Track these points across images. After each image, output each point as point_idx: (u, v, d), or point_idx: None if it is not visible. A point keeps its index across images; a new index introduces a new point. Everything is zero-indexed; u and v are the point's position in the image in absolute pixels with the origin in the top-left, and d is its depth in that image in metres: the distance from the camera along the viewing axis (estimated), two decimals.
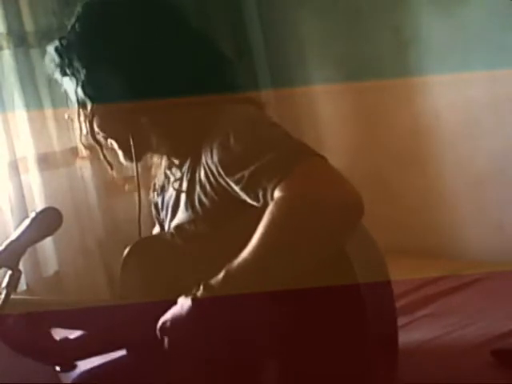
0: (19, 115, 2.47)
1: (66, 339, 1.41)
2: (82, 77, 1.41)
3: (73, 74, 1.43)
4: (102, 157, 1.51)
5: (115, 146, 1.48)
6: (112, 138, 1.47)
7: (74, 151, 2.55)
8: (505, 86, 2.31)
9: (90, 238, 2.59)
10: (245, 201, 1.29)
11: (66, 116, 1.52)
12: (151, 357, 1.34)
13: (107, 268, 2.61)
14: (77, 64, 1.42)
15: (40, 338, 1.39)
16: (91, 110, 1.43)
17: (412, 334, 1.65)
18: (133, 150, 1.45)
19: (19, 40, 2.46)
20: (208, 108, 1.39)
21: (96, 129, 1.45)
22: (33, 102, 2.48)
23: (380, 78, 2.56)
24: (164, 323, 1.26)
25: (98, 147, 1.49)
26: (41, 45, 2.48)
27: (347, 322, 1.27)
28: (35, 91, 2.48)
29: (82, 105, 1.45)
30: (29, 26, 2.46)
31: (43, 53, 2.42)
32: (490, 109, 2.38)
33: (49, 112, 2.50)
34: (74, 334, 1.43)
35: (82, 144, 1.52)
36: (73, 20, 1.43)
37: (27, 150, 2.48)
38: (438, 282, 2.16)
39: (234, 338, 1.26)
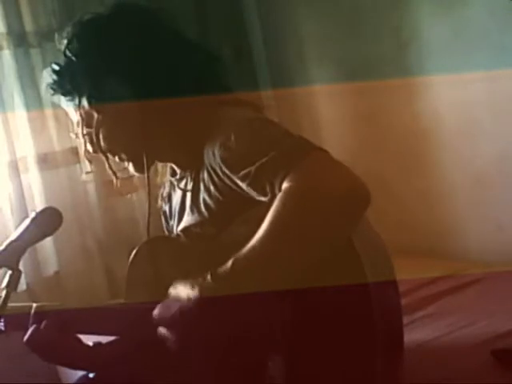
0: (19, 115, 2.47)
1: (99, 344, 1.40)
2: (88, 90, 1.44)
3: (75, 91, 1.46)
4: (107, 167, 1.53)
5: (124, 157, 1.50)
6: (121, 150, 1.50)
7: (74, 151, 2.56)
8: (505, 86, 2.31)
9: (89, 237, 2.59)
10: (250, 198, 1.30)
11: (74, 136, 1.54)
12: (157, 356, 1.34)
13: (107, 268, 2.61)
14: (80, 80, 1.45)
15: (71, 344, 1.38)
16: (97, 121, 1.46)
17: (412, 333, 1.65)
18: (145, 161, 1.47)
19: (19, 40, 2.46)
20: (207, 112, 1.42)
21: (102, 144, 1.48)
22: (33, 102, 2.48)
23: (380, 78, 2.56)
24: (172, 316, 1.26)
25: (104, 159, 1.52)
26: (41, 45, 2.48)
27: (354, 319, 1.28)
28: (35, 91, 2.48)
29: (85, 121, 1.48)
30: (29, 26, 2.47)
31: (43, 53, 2.47)
32: (489, 109, 2.39)
33: (49, 112, 2.51)
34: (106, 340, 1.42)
35: (88, 160, 1.54)
36: (65, 41, 1.46)
37: (27, 150, 2.49)
38: (437, 282, 2.16)
39: (241, 333, 1.26)
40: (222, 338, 1.26)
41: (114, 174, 1.55)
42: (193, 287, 1.24)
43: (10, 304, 1.38)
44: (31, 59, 2.48)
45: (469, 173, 2.49)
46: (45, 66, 2.42)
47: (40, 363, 2.32)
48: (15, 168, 2.46)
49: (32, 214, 1.45)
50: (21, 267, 1.40)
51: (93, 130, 1.47)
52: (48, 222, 1.46)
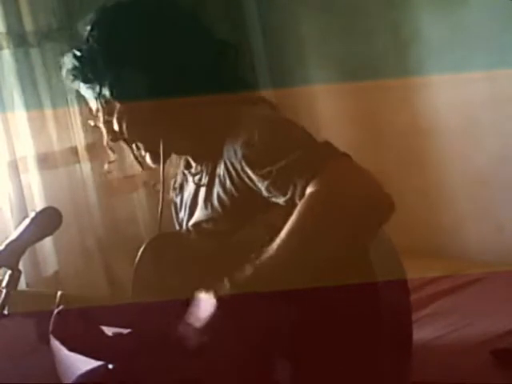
0: (19, 115, 2.47)
1: (120, 334, 1.39)
2: (109, 79, 1.43)
3: (96, 79, 1.45)
4: (133, 157, 1.53)
5: (142, 147, 1.50)
6: (139, 140, 1.49)
7: (74, 151, 2.56)
8: (505, 86, 2.31)
9: (89, 237, 2.59)
10: (265, 198, 1.30)
11: (92, 123, 1.52)
12: (162, 355, 1.33)
13: (107, 268, 2.61)
14: (102, 67, 1.43)
15: (93, 334, 1.37)
16: (119, 111, 1.45)
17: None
18: (161, 153, 1.47)
19: (19, 40, 2.46)
20: (228, 109, 1.42)
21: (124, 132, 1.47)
22: (33, 102, 2.48)
23: (380, 78, 2.56)
24: (192, 325, 1.26)
25: (129, 148, 1.51)
26: (41, 45, 2.48)
27: (364, 321, 1.28)
28: (35, 91, 2.48)
29: (107, 110, 1.46)
30: (29, 25, 2.46)
31: (43, 53, 2.47)
32: (489, 108, 2.38)
33: (49, 112, 2.51)
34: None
35: (110, 148, 1.54)
36: (88, 28, 1.45)
37: (27, 149, 2.48)
38: (438, 282, 2.16)
39: (251, 336, 1.26)
40: (230, 339, 1.26)
41: (140, 162, 1.53)
42: (210, 292, 1.25)
43: (33, 289, 1.37)
44: (31, 59, 2.48)
45: (469, 172, 2.49)
46: (45, 66, 2.46)
47: (39, 363, 2.33)
48: (15, 168, 2.46)
49: (32, 214, 1.45)
50: (20, 267, 1.40)
51: (114, 119, 1.46)
52: (48, 221, 1.46)
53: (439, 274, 2.22)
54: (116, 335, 1.38)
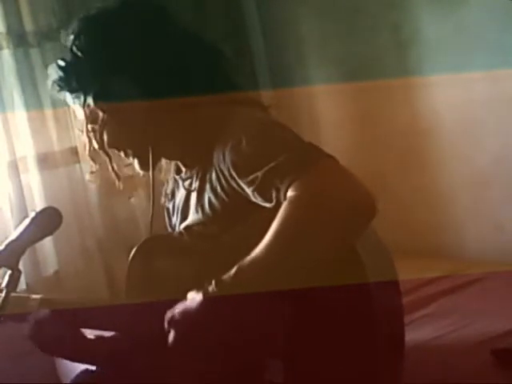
0: (19, 115, 2.47)
1: (101, 337, 1.39)
2: (94, 88, 1.43)
3: (81, 88, 1.44)
4: (110, 168, 1.53)
5: (130, 153, 1.49)
6: (127, 146, 1.49)
7: (74, 151, 2.56)
8: (505, 86, 2.31)
9: (89, 237, 2.59)
10: (255, 202, 1.30)
11: (80, 133, 1.52)
12: (157, 355, 1.34)
13: (107, 268, 2.61)
14: (87, 76, 1.43)
15: (72, 337, 1.38)
16: (105, 118, 1.44)
17: (412, 333, 1.65)
18: (150, 159, 1.47)
19: (19, 40, 2.46)
20: (217, 112, 1.41)
21: (107, 140, 1.47)
22: (33, 102, 2.48)
23: (380, 78, 2.56)
24: (173, 316, 1.27)
25: (107, 159, 1.51)
26: (40, 45, 2.48)
27: (355, 322, 1.28)
28: (35, 91, 2.48)
29: (91, 119, 1.46)
30: (29, 25, 2.47)
31: (43, 53, 2.47)
32: (489, 109, 2.38)
33: (49, 112, 2.51)
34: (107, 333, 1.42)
35: (92, 159, 1.53)
36: (71, 37, 1.44)
37: (27, 149, 2.49)
38: (438, 282, 2.16)
39: (242, 336, 1.26)
40: (222, 339, 1.26)
41: (117, 174, 1.54)
42: (198, 293, 1.25)
43: (13, 294, 1.38)
44: (31, 59, 2.48)
45: (469, 172, 2.49)
46: (45, 66, 2.45)
47: (39, 363, 2.33)
48: (15, 168, 2.46)
49: (32, 214, 1.45)
50: (20, 267, 1.40)
51: (97, 128, 1.46)
52: (48, 221, 1.46)
53: (439, 274, 2.22)
54: (97, 338, 1.39)
